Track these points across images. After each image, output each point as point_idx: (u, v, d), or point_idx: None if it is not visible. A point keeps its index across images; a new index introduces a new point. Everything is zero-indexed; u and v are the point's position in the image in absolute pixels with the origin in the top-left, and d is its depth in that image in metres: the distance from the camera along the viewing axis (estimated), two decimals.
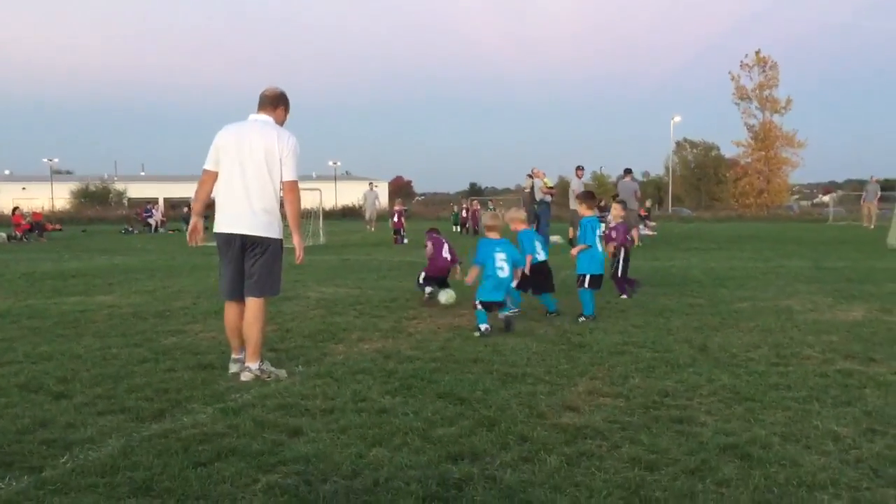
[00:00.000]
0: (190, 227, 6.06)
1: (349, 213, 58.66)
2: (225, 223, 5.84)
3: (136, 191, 74.37)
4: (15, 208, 32.47)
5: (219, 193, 5.84)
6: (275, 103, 5.97)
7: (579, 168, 21.71)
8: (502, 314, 7.84)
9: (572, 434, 4.43)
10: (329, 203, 54.11)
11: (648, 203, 33.87)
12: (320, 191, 25.60)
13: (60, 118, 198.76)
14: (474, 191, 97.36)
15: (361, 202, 39.43)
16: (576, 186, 20.99)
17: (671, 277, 12.87)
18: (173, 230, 36.07)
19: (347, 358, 6.58)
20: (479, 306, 7.77)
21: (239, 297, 5.93)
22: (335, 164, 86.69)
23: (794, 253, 18.73)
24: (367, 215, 34.47)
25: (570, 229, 21.01)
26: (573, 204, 18.84)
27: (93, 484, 3.68)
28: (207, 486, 3.65)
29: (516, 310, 8.02)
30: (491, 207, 39.06)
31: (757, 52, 64.42)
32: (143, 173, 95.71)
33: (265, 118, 5.92)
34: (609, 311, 8.36)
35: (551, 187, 21.78)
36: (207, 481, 3.71)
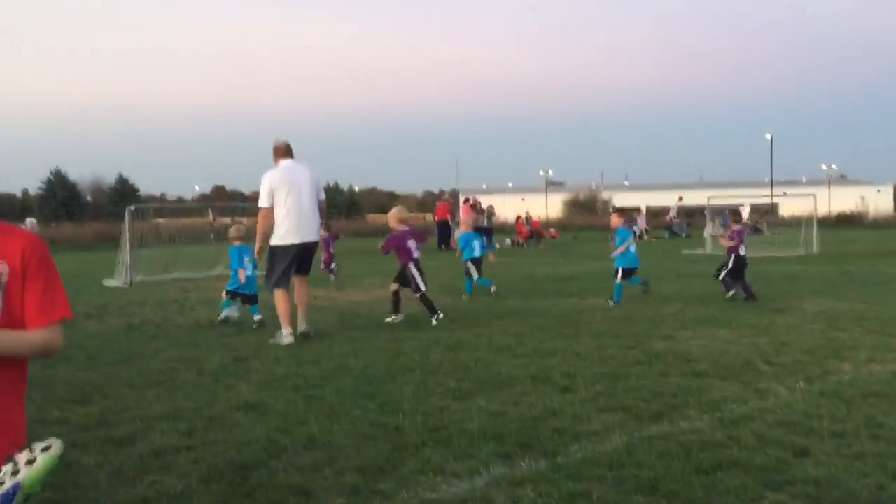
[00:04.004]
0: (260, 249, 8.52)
1: (844, 221, 53.60)
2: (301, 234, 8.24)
3: (621, 199, 77.48)
4: (518, 217, 36.27)
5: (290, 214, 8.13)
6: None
7: None
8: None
9: None
10: (822, 210, 50.04)
11: None
12: (815, 196, 23.84)
13: (555, 134, 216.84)
14: None
15: None
16: None
17: None
18: (656, 238, 36.79)
19: (856, 378, 5.98)
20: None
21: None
22: (829, 167, 79.98)
23: None
24: None
25: None
26: None
27: (601, 475, 3.90)
28: (711, 495, 3.61)
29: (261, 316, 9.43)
30: None
31: None
32: (626, 183, 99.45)
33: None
34: None
35: None
36: (711, 490, 3.67)
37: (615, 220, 11.91)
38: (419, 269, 9.32)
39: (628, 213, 10.54)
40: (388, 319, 9.39)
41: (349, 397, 5.64)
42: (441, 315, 9.04)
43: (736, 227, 11.61)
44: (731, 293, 11.10)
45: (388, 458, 4.26)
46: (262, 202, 8.20)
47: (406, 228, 9.58)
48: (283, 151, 8.33)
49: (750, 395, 5.50)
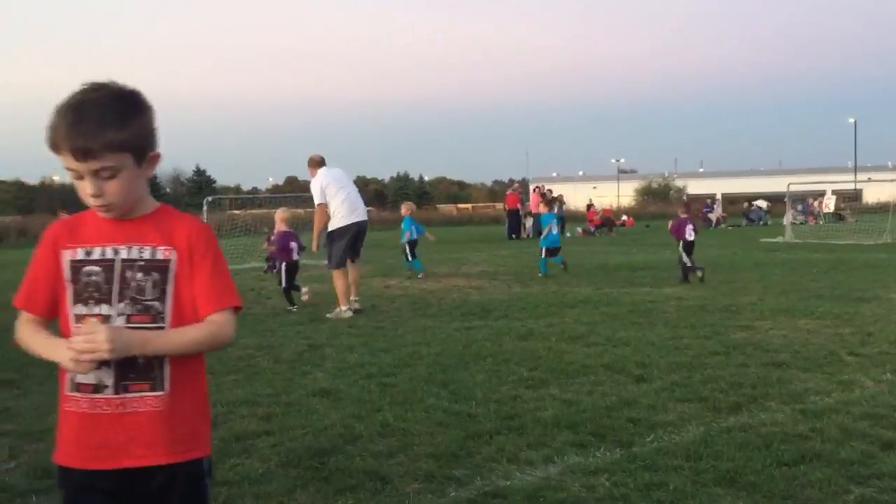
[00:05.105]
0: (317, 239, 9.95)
1: None
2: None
3: (695, 187, 75.76)
4: (589, 205, 35.88)
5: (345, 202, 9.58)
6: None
7: None
8: None
9: None
10: None
11: None
12: None
13: (627, 121, 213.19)
14: None
15: None
16: None
17: None
18: (732, 226, 35.91)
19: None
20: None
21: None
22: None
23: None
24: None
25: None
26: None
27: (678, 466, 3.84)
28: (793, 488, 3.52)
29: None
30: None
31: None
32: (701, 170, 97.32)
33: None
34: None
35: None
36: (793, 483, 3.58)
37: (542, 208, 14.28)
38: (292, 269, 10.44)
39: (556, 199, 13.72)
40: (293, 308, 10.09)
41: (422, 385, 5.68)
42: (295, 308, 10.04)
43: (683, 215, 13.17)
44: (698, 272, 11.99)
45: (462, 445, 4.28)
46: (317, 200, 9.68)
47: (290, 231, 10.94)
48: (318, 162, 9.83)
49: (833, 387, 5.33)
